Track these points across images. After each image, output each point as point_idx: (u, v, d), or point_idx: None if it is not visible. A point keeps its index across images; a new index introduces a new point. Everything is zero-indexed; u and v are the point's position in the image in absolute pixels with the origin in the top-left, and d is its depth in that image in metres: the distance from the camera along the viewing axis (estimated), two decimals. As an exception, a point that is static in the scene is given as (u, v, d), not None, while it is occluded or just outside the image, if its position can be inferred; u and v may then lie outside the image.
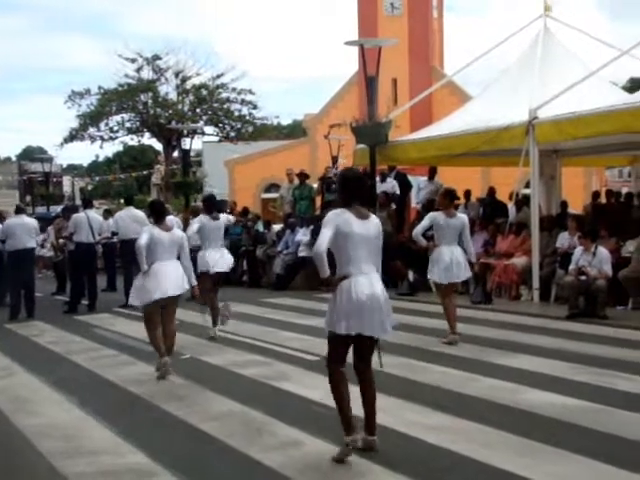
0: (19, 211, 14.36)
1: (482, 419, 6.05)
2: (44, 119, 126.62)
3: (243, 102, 36.85)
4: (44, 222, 20.31)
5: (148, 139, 39.48)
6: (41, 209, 34.71)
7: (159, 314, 8.16)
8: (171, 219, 11.90)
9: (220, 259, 10.45)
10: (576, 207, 17.91)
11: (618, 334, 9.89)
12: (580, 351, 8.81)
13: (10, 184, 76.37)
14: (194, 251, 9.78)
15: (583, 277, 11.14)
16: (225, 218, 11.46)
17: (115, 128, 36.96)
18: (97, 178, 71.64)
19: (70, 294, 14.33)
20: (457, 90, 31.01)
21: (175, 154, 36.61)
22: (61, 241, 16.58)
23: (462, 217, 9.75)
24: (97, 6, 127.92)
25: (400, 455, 5.28)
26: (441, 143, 15.00)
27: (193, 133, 33.21)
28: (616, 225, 13.14)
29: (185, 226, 13.34)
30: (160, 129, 35.73)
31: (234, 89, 36.65)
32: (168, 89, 36.86)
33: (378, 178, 17.12)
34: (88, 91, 36.33)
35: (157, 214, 8.31)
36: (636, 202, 15.02)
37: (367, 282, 5.15)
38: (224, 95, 36.82)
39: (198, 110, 36.79)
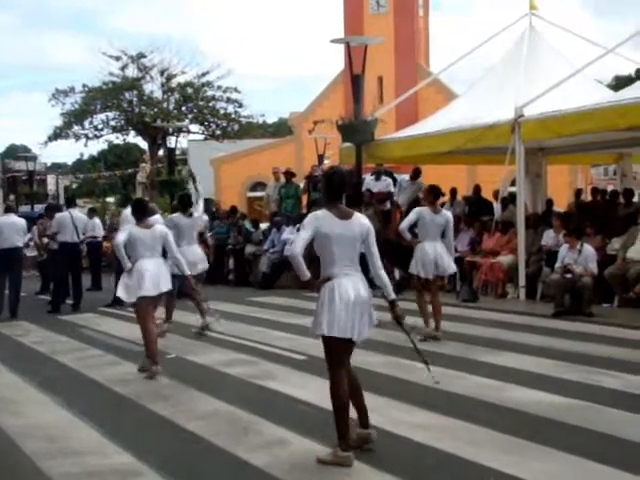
0: (8, 210, 14.32)
1: (469, 417, 6.06)
2: (28, 117, 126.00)
3: (229, 100, 36.72)
4: (28, 221, 20.17)
5: (133, 137, 39.27)
6: (25, 208, 34.50)
7: (152, 309, 8.22)
8: (156, 218, 11.87)
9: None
10: (562, 205, 17.97)
11: (604, 332, 9.93)
12: (566, 349, 8.84)
13: (-7, 183, 75.73)
14: None
15: (569, 275, 11.18)
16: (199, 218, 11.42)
17: (100, 126, 36.73)
18: (82, 176, 71.24)
19: (52, 294, 14.24)
20: (443, 88, 31.09)
21: (160, 152, 36.47)
22: (45, 240, 16.45)
23: (446, 214, 9.76)
24: (81, 3, 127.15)
25: (387, 454, 5.27)
26: (427, 141, 15.02)
27: (178, 131, 33.12)
28: (602, 223, 13.19)
29: None
30: (145, 127, 35.54)
31: (220, 87, 36.51)
32: (153, 87, 36.67)
33: (372, 176, 17.13)
34: (72, 89, 36.10)
35: (136, 212, 8.30)
36: (621, 200, 15.08)
37: (351, 283, 5.10)
38: (210, 93, 36.67)
39: (183, 108, 36.64)
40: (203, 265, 10.71)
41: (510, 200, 15.04)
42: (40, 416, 6.65)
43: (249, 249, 17.69)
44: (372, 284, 5.36)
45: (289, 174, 18.40)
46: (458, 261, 13.81)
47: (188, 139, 44.55)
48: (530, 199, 15.69)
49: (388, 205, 16.95)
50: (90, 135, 36.63)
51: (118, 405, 7.01)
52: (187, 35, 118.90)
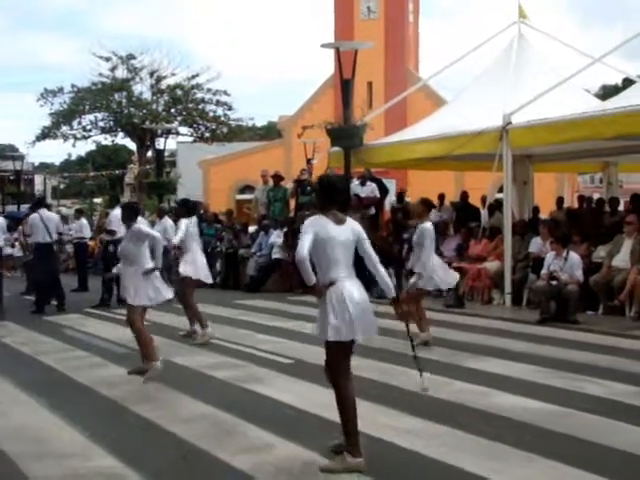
0: None
1: (454, 423, 6.07)
2: (15, 116, 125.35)
3: (218, 103, 36.78)
4: (15, 221, 20.08)
5: (122, 139, 39.30)
6: (11, 208, 34.34)
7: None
8: (140, 220, 11.86)
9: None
10: (548, 213, 18.04)
11: (589, 339, 9.98)
12: (551, 355, 8.88)
13: (-20, 182, 75.30)
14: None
15: (554, 282, 11.23)
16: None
17: (88, 127, 36.74)
18: (69, 176, 70.96)
19: (35, 295, 14.16)
20: (432, 94, 31.18)
21: (149, 154, 36.43)
22: (29, 240, 16.37)
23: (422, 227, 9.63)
24: (69, 3, 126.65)
25: (372, 459, 5.26)
26: (415, 147, 15.07)
27: (167, 133, 33.07)
28: (588, 231, 13.27)
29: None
30: (134, 129, 35.52)
31: (209, 90, 36.58)
32: (142, 89, 36.73)
33: (358, 181, 17.16)
34: (61, 89, 36.10)
35: (127, 217, 8.31)
36: (607, 208, 15.17)
37: (355, 286, 5.18)
38: (199, 96, 36.73)
39: (173, 110, 36.66)
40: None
41: (497, 207, 15.09)
42: (24, 418, 6.61)
43: (243, 252, 17.76)
44: (367, 288, 5.39)
45: (277, 177, 18.40)
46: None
47: (177, 141, 44.63)
48: (517, 206, 15.76)
49: (373, 210, 16.97)
50: (78, 135, 36.62)
51: (102, 407, 6.98)
52: (177, 37, 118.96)
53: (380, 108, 20.90)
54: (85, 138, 37.06)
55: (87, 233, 18.37)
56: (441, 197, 17.61)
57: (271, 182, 18.52)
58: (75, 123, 36.28)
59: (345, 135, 15.38)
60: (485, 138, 13.24)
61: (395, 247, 15.46)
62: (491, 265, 13.77)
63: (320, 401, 6.35)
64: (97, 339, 10.63)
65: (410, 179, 28.16)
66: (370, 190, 17.10)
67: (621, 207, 16.12)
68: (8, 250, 18.02)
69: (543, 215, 16.04)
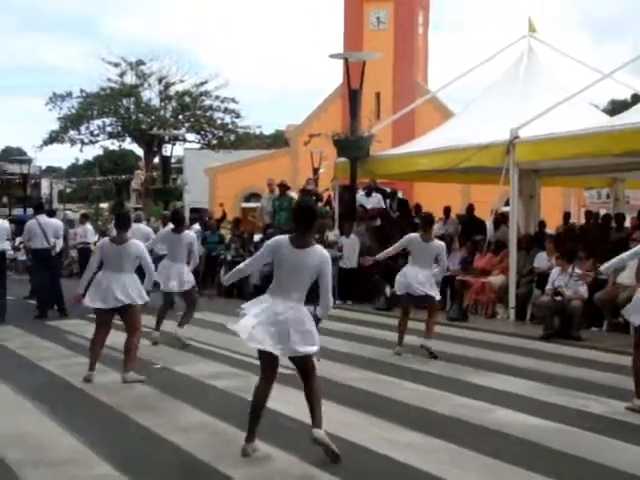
0: None
1: (452, 438, 6.03)
2: (24, 120, 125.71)
3: (226, 110, 36.86)
4: (21, 225, 20.10)
5: (129, 144, 39.40)
6: (18, 211, 34.41)
7: (102, 322, 8.30)
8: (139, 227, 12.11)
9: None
10: (554, 227, 18.00)
11: (592, 356, 9.93)
12: (554, 372, 8.83)
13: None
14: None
15: (559, 298, 11.18)
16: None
17: (96, 132, 36.85)
18: (76, 181, 71.12)
19: (37, 300, 14.12)
20: (440, 106, 31.17)
21: (156, 160, 36.51)
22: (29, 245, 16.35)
23: (439, 244, 9.69)
24: (76, 6, 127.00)
25: (366, 472, 5.24)
26: (421, 159, 15.06)
27: (175, 140, 33.15)
28: (594, 246, 13.21)
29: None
30: (141, 134, 35.62)
31: (217, 97, 36.68)
32: (151, 95, 36.86)
33: (363, 192, 17.15)
34: (70, 94, 36.24)
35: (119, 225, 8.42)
36: (613, 224, 15.12)
37: (282, 305, 5.45)
38: (207, 103, 36.83)
39: (180, 117, 36.76)
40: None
41: (502, 220, 15.06)
42: (22, 424, 6.58)
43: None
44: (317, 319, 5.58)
45: (283, 186, 18.38)
46: (449, 280, 13.85)
47: (184, 147, 44.75)
48: (523, 220, 15.74)
49: (379, 221, 16.94)
50: (86, 140, 36.75)
51: (102, 414, 6.95)
52: (186, 44, 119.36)
53: (388, 119, 20.92)
54: (93, 143, 37.20)
55: (92, 238, 18.35)
56: (447, 210, 17.57)
57: (277, 191, 18.51)
58: (83, 128, 36.41)
59: (352, 146, 15.40)
60: (492, 151, 13.23)
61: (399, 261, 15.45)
62: (496, 279, 13.73)
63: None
64: (99, 345, 10.58)
65: (416, 191, 28.15)
66: (376, 201, 17.10)
67: (627, 223, 16.07)
68: (12, 254, 17.95)
69: (549, 230, 16.00)
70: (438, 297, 9.89)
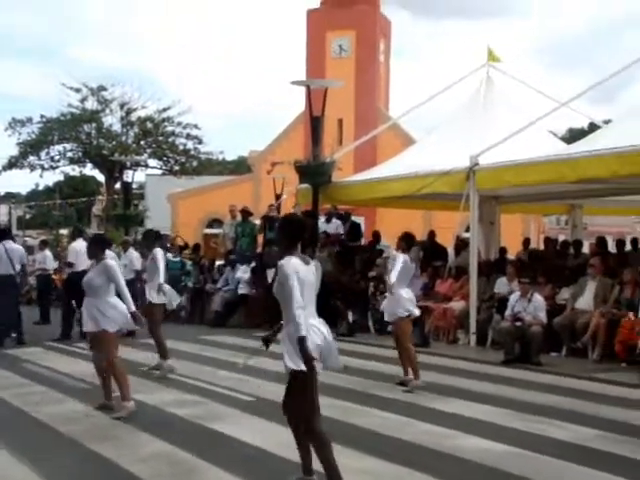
0: None
1: (416, 464, 6.01)
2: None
3: (188, 136, 36.84)
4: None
5: (90, 170, 39.13)
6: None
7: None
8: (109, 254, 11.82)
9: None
10: (514, 253, 18.18)
11: (551, 381, 10.00)
12: (514, 397, 8.87)
13: (-58, 211, 74.05)
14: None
15: (519, 323, 11.28)
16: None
17: (56, 157, 36.56)
18: (35, 206, 70.18)
19: None
20: (402, 133, 31.45)
21: (117, 186, 36.25)
22: None
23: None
24: (42, 34, 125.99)
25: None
26: (383, 185, 15.16)
27: (136, 165, 32.97)
28: (552, 272, 13.38)
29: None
30: (103, 160, 35.40)
31: (180, 123, 36.64)
32: (112, 120, 36.68)
33: (323, 218, 17.19)
34: (30, 119, 35.93)
35: (94, 249, 8.24)
36: (571, 250, 15.33)
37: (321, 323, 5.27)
38: (169, 129, 36.78)
39: (142, 142, 36.64)
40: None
41: (463, 246, 15.18)
42: (-23, 455, 6.43)
43: (209, 287, 17.73)
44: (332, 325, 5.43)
45: (246, 212, 18.38)
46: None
47: (146, 173, 44.52)
48: (483, 246, 15.87)
49: (337, 247, 16.99)
50: (46, 166, 36.43)
51: (60, 445, 6.81)
52: (148, 71, 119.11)
53: (350, 146, 21.04)
54: (53, 168, 36.89)
55: (51, 265, 18.12)
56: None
57: (239, 217, 18.50)
58: (43, 153, 36.10)
59: (313, 172, 15.43)
60: (452, 178, 13.36)
61: (362, 284, 15.49)
62: (457, 305, 13.81)
63: (279, 440, 6.27)
64: (56, 373, 10.42)
65: (379, 217, 28.26)
66: (335, 227, 17.19)
67: (585, 249, 16.31)
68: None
69: (510, 256, 16.16)
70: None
